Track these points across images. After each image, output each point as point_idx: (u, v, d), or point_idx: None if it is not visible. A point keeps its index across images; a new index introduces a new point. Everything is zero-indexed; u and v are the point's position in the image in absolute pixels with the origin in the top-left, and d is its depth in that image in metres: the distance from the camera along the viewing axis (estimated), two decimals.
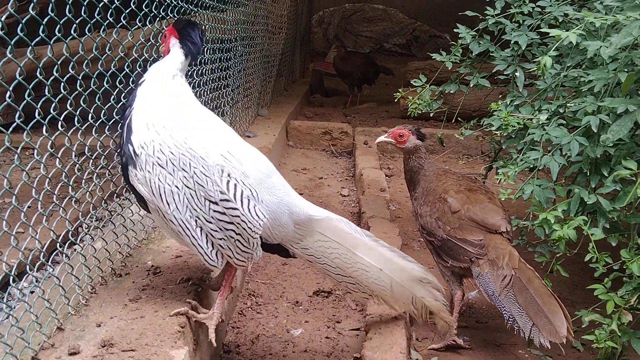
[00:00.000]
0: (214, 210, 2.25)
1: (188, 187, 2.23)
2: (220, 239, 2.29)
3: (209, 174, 2.23)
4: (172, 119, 2.31)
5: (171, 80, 2.40)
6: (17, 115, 1.91)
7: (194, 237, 2.27)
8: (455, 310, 2.86)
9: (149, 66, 2.61)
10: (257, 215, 2.30)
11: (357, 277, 2.54)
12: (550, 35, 2.47)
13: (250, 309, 3.23)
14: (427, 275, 2.60)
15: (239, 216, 2.26)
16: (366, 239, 2.55)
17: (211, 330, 2.36)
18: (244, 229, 2.28)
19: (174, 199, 2.23)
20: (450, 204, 2.89)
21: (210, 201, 2.24)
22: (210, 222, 2.26)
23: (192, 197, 2.24)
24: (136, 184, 2.26)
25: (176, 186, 2.22)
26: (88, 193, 2.57)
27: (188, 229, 2.26)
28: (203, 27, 2.94)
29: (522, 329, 2.50)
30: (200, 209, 2.25)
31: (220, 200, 2.24)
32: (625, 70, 2.32)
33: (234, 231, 2.28)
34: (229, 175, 2.26)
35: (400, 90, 3.98)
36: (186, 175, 2.23)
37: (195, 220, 2.26)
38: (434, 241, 2.95)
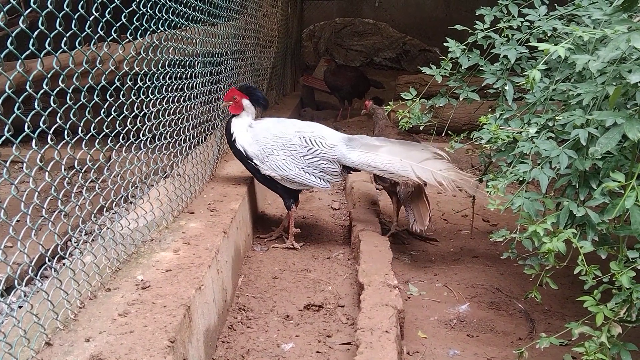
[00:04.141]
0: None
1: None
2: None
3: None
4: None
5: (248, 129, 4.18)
6: (6, 129, 1.90)
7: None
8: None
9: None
10: None
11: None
12: (539, 49, 2.49)
13: (240, 323, 3.21)
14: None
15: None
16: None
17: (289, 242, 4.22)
18: None
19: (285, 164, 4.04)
20: None
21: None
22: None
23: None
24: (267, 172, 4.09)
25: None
26: (77, 207, 2.55)
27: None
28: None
29: (409, 221, 3.97)
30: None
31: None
32: (614, 83, 2.34)
33: None
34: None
35: (390, 103, 4.00)
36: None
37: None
38: None
